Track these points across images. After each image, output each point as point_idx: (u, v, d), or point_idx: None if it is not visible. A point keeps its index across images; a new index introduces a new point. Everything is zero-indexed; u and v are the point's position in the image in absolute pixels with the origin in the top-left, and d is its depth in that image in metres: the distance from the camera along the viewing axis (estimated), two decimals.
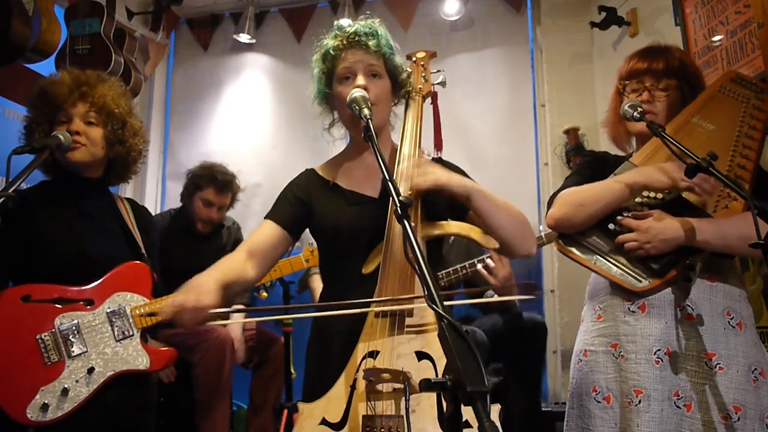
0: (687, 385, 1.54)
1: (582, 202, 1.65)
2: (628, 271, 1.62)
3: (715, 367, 1.53)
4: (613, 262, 1.64)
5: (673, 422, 1.52)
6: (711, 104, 1.73)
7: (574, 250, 1.68)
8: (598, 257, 1.65)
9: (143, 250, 1.97)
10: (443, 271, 2.71)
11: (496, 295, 2.80)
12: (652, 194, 1.65)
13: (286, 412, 2.64)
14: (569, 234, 1.70)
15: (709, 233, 1.54)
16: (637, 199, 1.65)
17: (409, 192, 1.45)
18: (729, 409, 1.50)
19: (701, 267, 1.58)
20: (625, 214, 1.63)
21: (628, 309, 1.63)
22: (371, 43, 1.55)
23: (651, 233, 1.57)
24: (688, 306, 1.58)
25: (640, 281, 1.60)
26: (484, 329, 2.75)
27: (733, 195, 1.57)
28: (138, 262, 1.92)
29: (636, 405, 1.54)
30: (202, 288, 1.39)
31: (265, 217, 1.63)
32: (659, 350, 1.57)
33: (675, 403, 1.53)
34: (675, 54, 1.77)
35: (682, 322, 1.58)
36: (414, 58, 1.78)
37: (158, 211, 4.12)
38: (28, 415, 1.68)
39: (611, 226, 1.64)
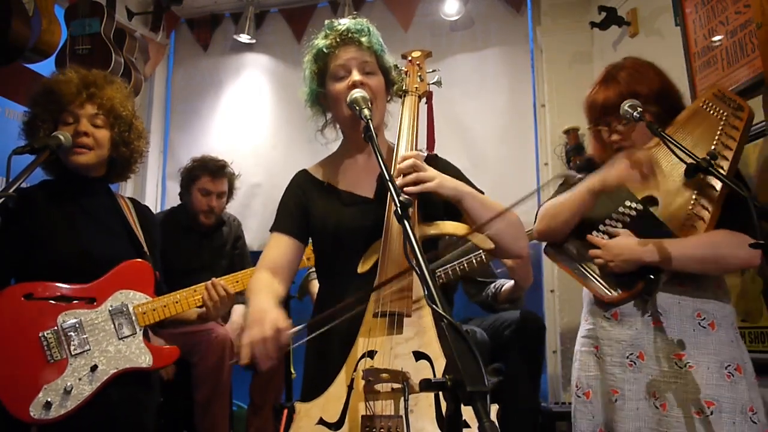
0: (661, 385, 1.64)
1: (555, 213, 1.79)
2: (600, 282, 1.75)
3: (686, 365, 1.63)
4: (590, 271, 1.77)
5: (653, 421, 1.63)
6: (694, 120, 1.77)
7: (557, 258, 1.84)
8: (577, 266, 1.79)
9: (146, 248, 1.97)
10: (440, 269, 2.71)
11: (509, 282, 2.82)
12: (626, 210, 1.74)
13: (286, 412, 2.63)
14: (555, 243, 1.84)
15: (659, 254, 1.63)
16: (615, 213, 1.75)
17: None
18: (702, 404, 1.58)
19: (668, 277, 1.67)
20: (601, 229, 1.75)
21: (604, 315, 1.76)
22: (363, 39, 1.56)
23: (613, 252, 1.69)
24: (657, 312, 1.68)
25: (609, 292, 1.73)
26: (483, 329, 2.75)
27: (700, 215, 1.66)
28: (140, 260, 1.92)
29: (614, 402, 1.68)
30: (272, 314, 1.31)
31: (271, 230, 1.62)
32: (632, 354, 1.69)
33: (654, 403, 1.64)
34: (620, 80, 1.77)
35: (651, 328, 1.68)
36: (410, 58, 1.78)
37: (158, 211, 4.12)
38: (31, 414, 1.68)
39: (589, 237, 1.77)
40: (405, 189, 1.42)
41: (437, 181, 1.43)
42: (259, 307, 1.35)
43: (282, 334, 1.27)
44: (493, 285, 2.94)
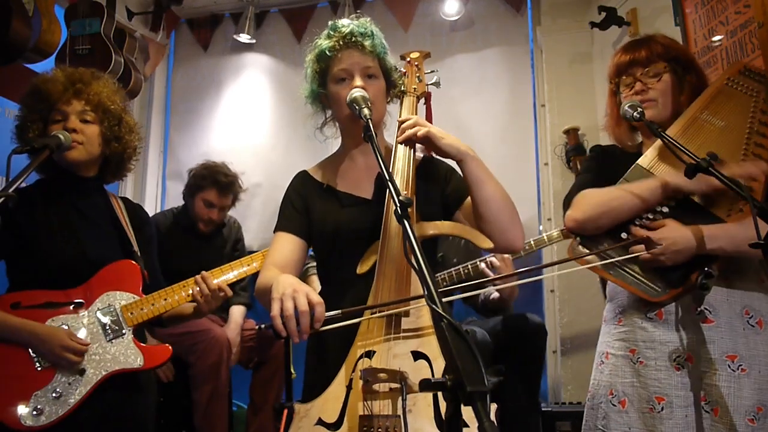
0: (712, 389, 1.52)
1: (608, 205, 1.61)
2: (644, 282, 1.59)
3: (738, 369, 1.52)
4: (628, 271, 1.61)
5: (705, 428, 1.51)
6: (719, 98, 1.67)
7: (588, 259, 1.63)
8: (614, 267, 1.61)
9: (135, 248, 1.94)
10: (444, 272, 2.72)
11: (495, 293, 2.83)
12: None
13: (286, 412, 2.63)
14: (583, 242, 1.66)
15: (721, 240, 1.52)
16: None
17: (405, 192, 1.45)
18: (755, 411, 1.49)
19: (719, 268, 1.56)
20: (637, 223, 1.61)
21: (646, 315, 1.63)
22: (367, 43, 1.55)
23: (664, 244, 1.53)
24: (706, 309, 1.56)
25: (657, 291, 1.58)
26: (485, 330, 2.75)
27: None
28: (126, 260, 1.89)
29: (658, 412, 1.54)
30: (306, 288, 1.29)
31: (276, 230, 1.62)
32: (679, 356, 1.56)
33: (703, 407, 1.52)
34: (658, 40, 1.76)
35: (700, 327, 1.56)
36: (408, 59, 1.78)
37: (158, 211, 4.12)
38: (22, 421, 1.66)
39: (624, 234, 1.61)
40: (407, 132, 1.47)
41: (438, 132, 1.45)
42: (289, 281, 1.30)
43: (317, 309, 1.25)
44: (483, 293, 2.94)
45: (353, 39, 1.55)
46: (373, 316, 1.36)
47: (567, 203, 1.73)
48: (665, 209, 1.61)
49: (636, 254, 1.57)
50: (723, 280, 1.58)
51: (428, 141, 1.46)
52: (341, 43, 1.56)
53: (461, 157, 1.45)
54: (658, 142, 1.69)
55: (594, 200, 1.64)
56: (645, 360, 1.60)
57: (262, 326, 3.09)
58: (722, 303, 1.57)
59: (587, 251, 1.63)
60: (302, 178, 1.68)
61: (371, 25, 1.60)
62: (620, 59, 1.78)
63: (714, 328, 1.55)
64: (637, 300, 1.64)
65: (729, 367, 1.52)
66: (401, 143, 1.54)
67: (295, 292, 1.26)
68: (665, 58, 1.72)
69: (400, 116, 1.64)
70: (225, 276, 1.99)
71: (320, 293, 1.63)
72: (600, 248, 1.62)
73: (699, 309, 1.56)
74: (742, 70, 1.70)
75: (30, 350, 1.73)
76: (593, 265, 1.63)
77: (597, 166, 1.82)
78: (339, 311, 1.32)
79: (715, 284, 1.55)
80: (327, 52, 1.56)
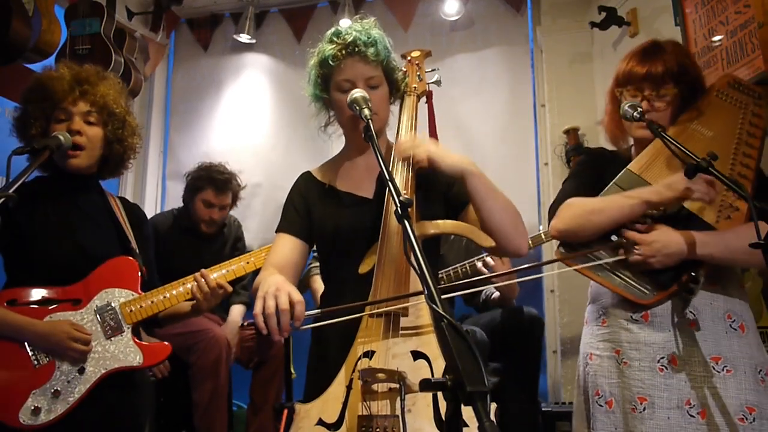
0: (697, 392, 1.53)
1: (590, 217, 1.63)
2: (632, 284, 1.62)
3: (723, 370, 1.54)
4: (617, 273, 1.63)
5: (688, 431, 1.52)
6: (709, 110, 1.70)
7: (575, 260, 1.66)
8: (601, 268, 1.64)
9: (133, 245, 1.94)
10: (441, 271, 2.72)
11: (496, 293, 2.84)
12: None
13: (286, 412, 2.63)
14: (571, 243, 1.69)
15: (712, 247, 1.54)
16: None
17: (405, 192, 1.45)
18: (744, 410, 1.50)
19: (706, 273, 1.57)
20: (629, 226, 1.62)
21: (631, 317, 1.64)
22: (370, 52, 1.54)
23: (655, 247, 1.55)
24: (690, 312, 1.59)
25: (645, 294, 1.60)
26: (481, 325, 2.76)
27: (735, 205, 1.57)
28: (125, 256, 1.89)
29: (640, 412, 1.56)
30: (288, 287, 1.30)
31: (277, 231, 1.62)
32: (663, 358, 1.58)
33: (688, 411, 1.53)
34: (674, 55, 1.72)
35: (684, 330, 1.58)
36: (409, 58, 1.78)
37: (158, 211, 4.12)
38: (21, 420, 1.66)
39: (614, 237, 1.63)
40: (409, 154, 1.46)
41: (438, 153, 1.45)
42: (274, 281, 1.32)
43: (297, 308, 1.27)
44: (484, 292, 2.95)
45: (356, 49, 1.53)
46: (364, 313, 1.36)
47: (552, 211, 1.75)
48: (654, 212, 1.62)
49: (625, 257, 1.59)
50: (708, 284, 1.60)
51: (431, 164, 1.45)
52: (344, 52, 1.54)
53: (462, 174, 1.45)
54: (649, 146, 1.71)
55: (576, 212, 1.66)
56: (629, 361, 1.61)
57: (245, 323, 3.10)
58: (706, 306, 1.60)
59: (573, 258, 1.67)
60: (305, 179, 1.68)
61: (374, 29, 1.58)
62: (634, 69, 1.72)
63: (698, 330, 1.58)
64: (622, 301, 1.65)
65: (714, 368, 1.54)
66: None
67: (278, 291, 1.28)
68: (677, 80, 1.70)
69: (400, 115, 1.64)
70: (224, 272, 1.98)
71: (323, 293, 1.64)
72: (590, 249, 1.64)
73: (684, 312, 1.58)
74: (731, 83, 1.72)
75: (27, 348, 1.73)
76: (582, 266, 1.66)
77: (584, 171, 1.83)
78: (318, 310, 1.34)
79: (701, 289, 1.57)
80: (330, 61, 1.55)
